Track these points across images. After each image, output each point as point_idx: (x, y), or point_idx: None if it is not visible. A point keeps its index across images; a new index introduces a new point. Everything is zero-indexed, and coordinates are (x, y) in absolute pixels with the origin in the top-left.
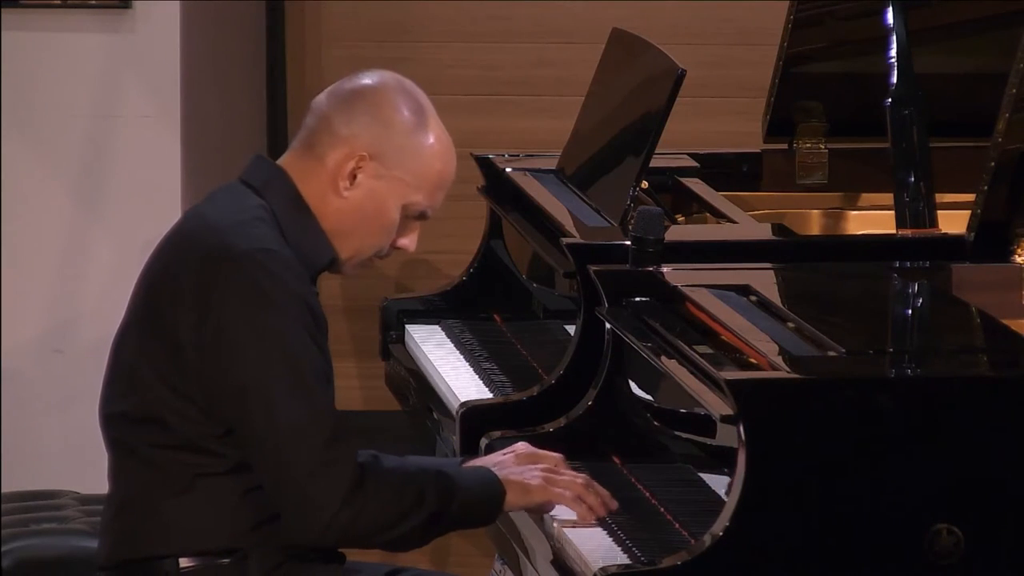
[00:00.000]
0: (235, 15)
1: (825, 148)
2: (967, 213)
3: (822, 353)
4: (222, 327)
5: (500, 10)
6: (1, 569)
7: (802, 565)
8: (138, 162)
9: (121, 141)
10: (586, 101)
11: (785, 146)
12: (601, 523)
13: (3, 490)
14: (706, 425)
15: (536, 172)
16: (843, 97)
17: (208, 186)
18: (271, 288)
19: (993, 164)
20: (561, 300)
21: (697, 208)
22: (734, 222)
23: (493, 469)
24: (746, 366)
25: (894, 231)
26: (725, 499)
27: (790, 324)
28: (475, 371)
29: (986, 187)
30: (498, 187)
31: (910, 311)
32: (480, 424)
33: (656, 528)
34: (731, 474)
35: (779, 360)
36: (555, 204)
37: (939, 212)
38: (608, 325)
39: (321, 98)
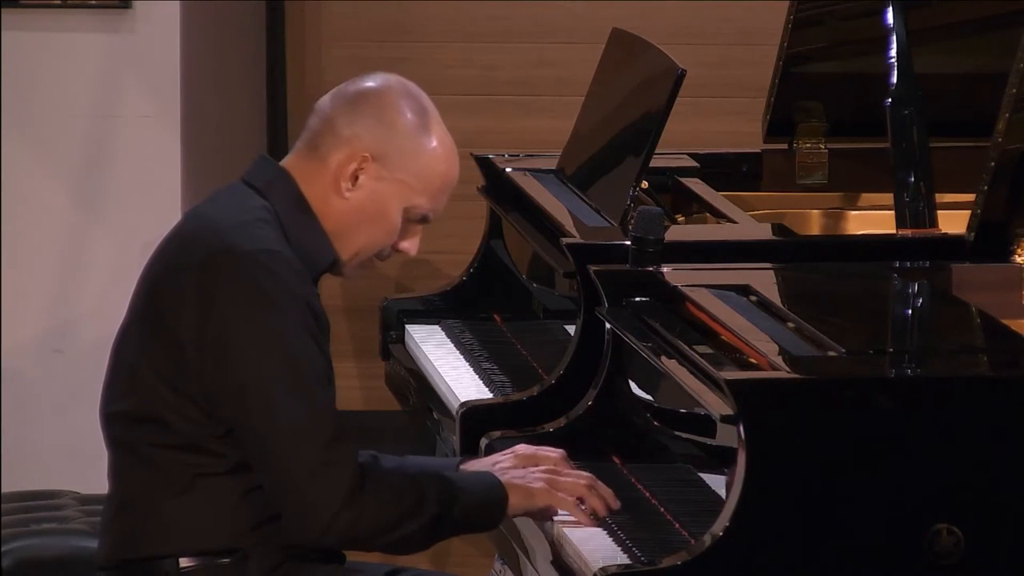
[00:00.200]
0: (235, 15)
1: (825, 148)
2: (967, 213)
3: (822, 353)
4: (223, 327)
5: (500, 10)
6: (1, 569)
7: (802, 565)
8: (138, 162)
9: (121, 141)
10: (586, 101)
11: (785, 146)
12: (601, 523)
13: (3, 490)
14: (706, 425)
15: (536, 172)
16: (843, 97)
17: (208, 186)
18: (273, 289)
19: (993, 164)
20: (561, 300)
21: (697, 208)
22: (734, 222)
23: (494, 471)
24: (746, 366)
25: (894, 231)
26: (725, 499)
27: (790, 324)
28: (475, 371)
29: (986, 187)
30: (498, 187)
31: (910, 311)
32: (480, 424)
33: (656, 528)
34: (731, 474)
35: (779, 360)
36: (555, 204)
37: (939, 212)
38: (608, 325)
39: (325, 100)
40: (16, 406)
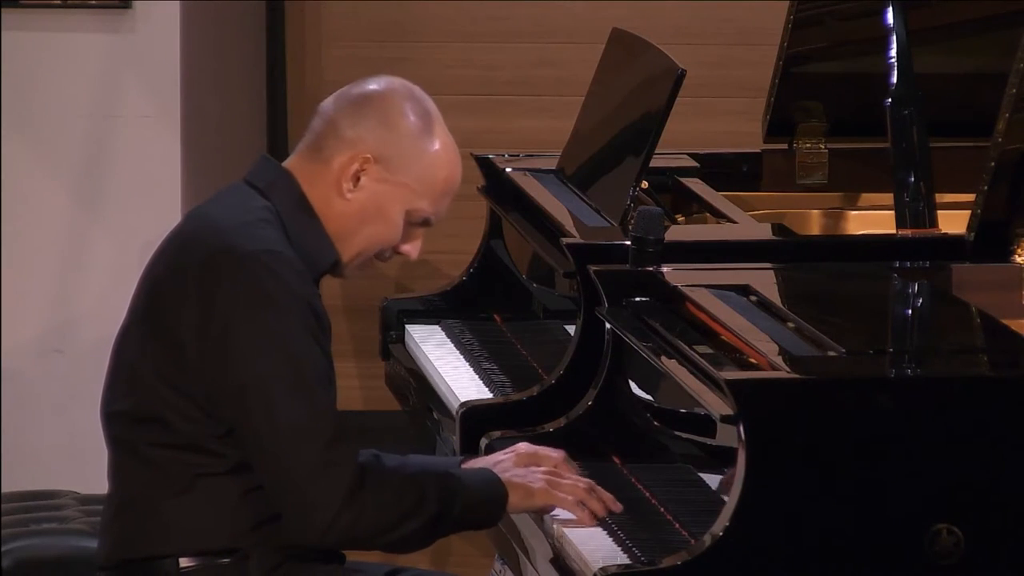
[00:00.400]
0: (235, 15)
1: (825, 148)
2: (967, 213)
3: (822, 353)
4: (225, 327)
5: (500, 10)
6: (1, 569)
7: (802, 565)
8: (138, 162)
9: (121, 141)
10: (586, 101)
11: (785, 146)
12: (601, 523)
13: (3, 490)
14: (706, 425)
15: (536, 172)
16: (843, 97)
17: (208, 186)
18: (274, 289)
19: (993, 164)
20: (561, 300)
21: (697, 208)
22: (734, 222)
23: (495, 470)
24: (746, 366)
25: (894, 231)
26: (725, 499)
27: (790, 324)
28: (475, 371)
29: (986, 187)
30: (498, 187)
31: (910, 311)
32: (480, 424)
33: (656, 528)
34: (731, 474)
35: (779, 360)
36: (555, 204)
37: (939, 212)
38: (608, 325)
39: (328, 102)
40: (16, 406)
